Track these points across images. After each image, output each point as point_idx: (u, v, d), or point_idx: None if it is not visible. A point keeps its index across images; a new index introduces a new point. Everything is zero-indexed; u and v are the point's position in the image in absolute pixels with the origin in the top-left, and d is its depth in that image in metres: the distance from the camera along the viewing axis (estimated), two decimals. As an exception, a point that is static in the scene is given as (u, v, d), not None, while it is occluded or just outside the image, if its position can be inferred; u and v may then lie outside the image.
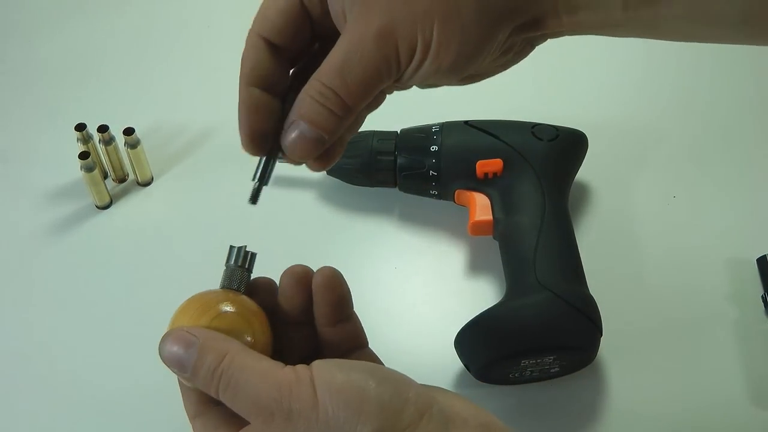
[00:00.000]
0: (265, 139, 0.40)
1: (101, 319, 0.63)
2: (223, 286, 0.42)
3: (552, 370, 0.57)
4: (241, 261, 0.43)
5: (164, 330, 0.41)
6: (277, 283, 0.45)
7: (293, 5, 0.40)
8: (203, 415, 0.40)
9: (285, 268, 0.45)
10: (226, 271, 0.43)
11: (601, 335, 0.56)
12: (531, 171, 0.62)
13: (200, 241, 0.67)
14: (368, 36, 0.37)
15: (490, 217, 0.62)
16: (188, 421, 0.42)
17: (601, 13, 0.38)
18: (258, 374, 0.36)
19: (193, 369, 0.37)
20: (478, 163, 0.63)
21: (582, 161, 0.66)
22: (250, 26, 0.42)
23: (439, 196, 0.66)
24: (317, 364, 0.37)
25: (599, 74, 0.79)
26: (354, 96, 0.38)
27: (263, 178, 0.41)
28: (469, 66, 0.39)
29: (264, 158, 0.41)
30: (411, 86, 0.41)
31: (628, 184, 0.70)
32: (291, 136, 0.39)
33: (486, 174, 0.63)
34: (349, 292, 0.44)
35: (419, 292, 0.64)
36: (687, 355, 0.60)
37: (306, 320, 0.44)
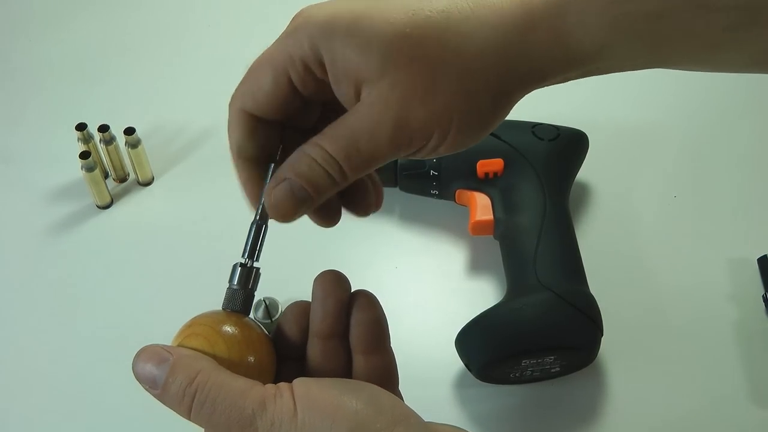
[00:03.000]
0: None
1: (102, 318, 0.63)
2: (225, 308, 0.42)
3: (552, 370, 0.57)
4: (243, 281, 0.41)
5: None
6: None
7: (281, 87, 0.39)
8: None
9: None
10: (228, 291, 0.42)
11: (602, 335, 0.56)
12: (532, 171, 0.62)
13: (201, 241, 0.67)
14: (383, 122, 0.36)
15: (490, 216, 0.62)
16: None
17: (607, 65, 0.38)
18: (237, 390, 0.36)
19: (164, 386, 0.37)
20: (478, 162, 0.63)
21: (583, 161, 0.66)
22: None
23: (439, 196, 0.66)
24: (297, 381, 0.37)
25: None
26: (355, 170, 0.38)
27: (253, 252, 0.41)
28: (481, 138, 0.39)
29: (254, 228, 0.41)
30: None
31: (628, 184, 0.70)
32: (280, 191, 0.38)
33: (487, 174, 0.63)
34: (386, 321, 0.42)
35: (420, 291, 0.64)
36: (687, 354, 0.60)
37: (339, 348, 0.42)
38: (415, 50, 0.36)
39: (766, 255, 0.63)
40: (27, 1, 0.88)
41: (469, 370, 0.57)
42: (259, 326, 0.41)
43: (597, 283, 0.58)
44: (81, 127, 0.68)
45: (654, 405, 0.57)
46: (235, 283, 0.41)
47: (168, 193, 0.71)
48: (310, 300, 0.41)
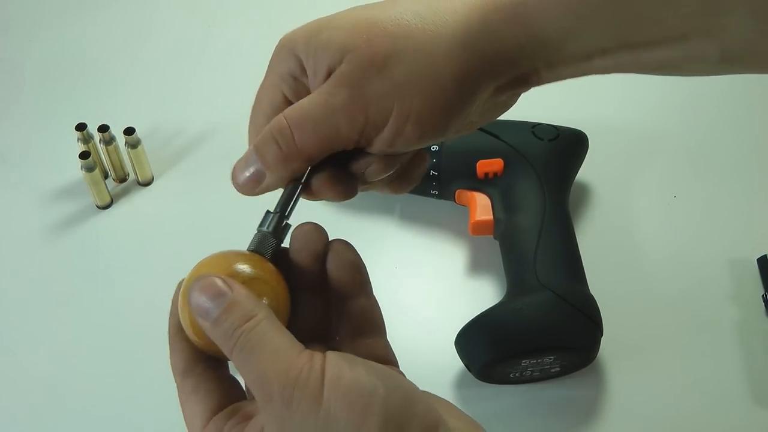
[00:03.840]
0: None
1: (102, 318, 0.63)
2: (251, 250, 0.41)
3: (552, 370, 0.57)
4: (274, 228, 0.41)
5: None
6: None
7: (279, 106, 0.42)
8: (195, 375, 0.39)
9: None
10: (257, 235, 0.41)
11: (602, 335, 0.56)
12: (531, 171, 0.62)
13: (201, 241, 0.67)
14: (339, 95, 0.38)
15: (490, 216, 0.62)
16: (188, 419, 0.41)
17: (581, 66, 0.38)
18: (274, 349, 0.35)
19: (216, 320, 0.36)
20: (478, 162, 0.63)
21: (582, 161, 0.66)
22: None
23: (439, 196, 0.66)
24: (331, 357, 0.35)
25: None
26: (307, 143, 0.39)
27: (285, 209, 0.41)
28: (449, 127, 0.39)
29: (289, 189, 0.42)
30: (398, 152, 0.41)
31: (628, 184, 0.70)
32: (239, 162, 0.41)
33: (486, 174, 0.63)
34: (364, 266, 0.42)
35: (420, 291, 0.64)
36: (687, 354, 0.60)
37: (320, 290, 0.42)
38: (373, 29, 0.38)
39: (766, 255, 0.63)
40: (27, 1, 0.88)
41: (469, 370, 0.57)
42: (277, 270, 0.41)
43: (597, 283, 0.58)
44: (81, 127, 0.68)
45: (654, 405, 0.57)
46: (266, 228, 0.41)
47: (168, 193, 0.71)
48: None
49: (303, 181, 0.41)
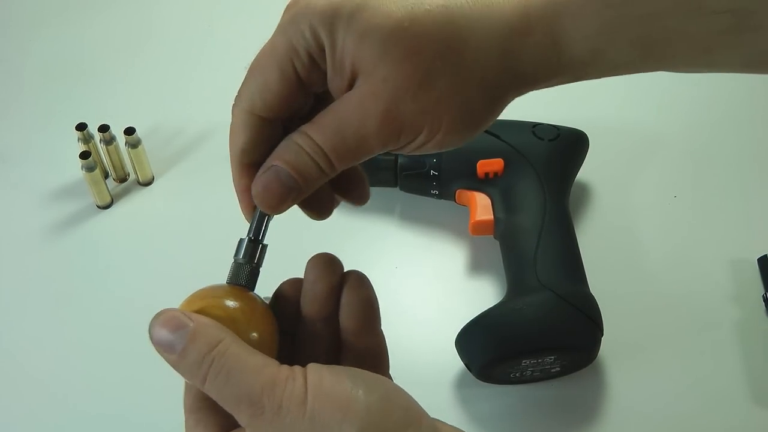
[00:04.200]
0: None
1: (102, 318, 0.63)
2: (230, 282, 0.41)
3: (553, 370, 0.57)
4: (249, 256, 0.41)
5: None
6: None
7: (289, 82, 0.38)
8: (200, 411, 0.39)
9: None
10: (233, 265, 0.41)
11: (602, 335, 0.56)
12: (532, 171, 0.62)
13: (201, 241, 0.67)
14: (372, 115, 0.36)
15: (490, 216, 0.62)
16: (202, 389, 0.41)
17: (601, 70, 0.38)
18: (253, 367, 0.35)
19: (182, 352, 0.36)
20: (478, 162, 0.63)
21: (583, 161, 0.66)
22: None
23: (439, 196, 0.66)
24: (311, 366, 0.36)
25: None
26: (342, 161, 0.37)
27: (258, 233, 0.40)
28: (472, 138, 0.39)
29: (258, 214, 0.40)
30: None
31: (628, 184, 0.70)
32: (266, 177, 0.37)
33: (487, 174, 0.63)
34: (377, 302, 0.42)
35: (420, 291, 0.64)
36: (688, 354, 0.60)
37: (328, 329, 0.42)
38: (412, 44, 0.36)
39: (766, 255, 0.63)
40: (27, 1, 0.88)
41: (469, 370, 0.57)
42: (263, 302, 0.41)
43: (597, 283, 0.58)
44: (81, 127, 0.68)
45: (654, 405, 0.57)
46: (241, 256, 0.41)
47: (168, 193, 0.71)
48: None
49: None
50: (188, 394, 0.40)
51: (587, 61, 0.37)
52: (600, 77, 0.39)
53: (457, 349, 0.57)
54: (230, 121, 0.39)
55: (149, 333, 0.37)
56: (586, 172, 0.67)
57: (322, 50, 0.37)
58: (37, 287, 0.65)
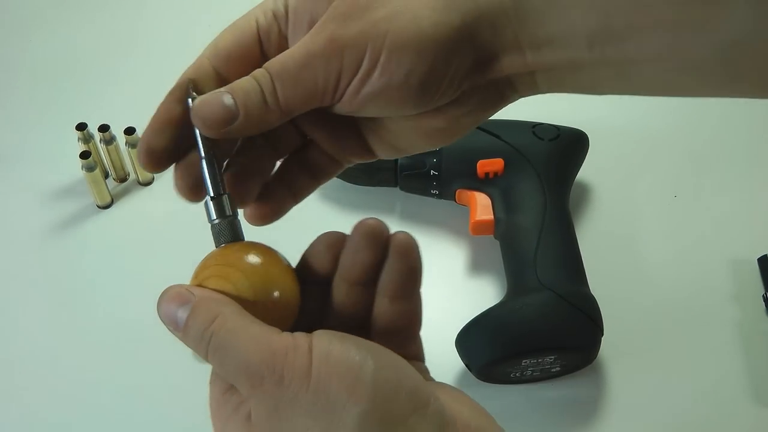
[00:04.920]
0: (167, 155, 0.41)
1: (102, 318, 0.63)
2: (217, 245, 0.40)
3: (553, 370, 0.57)
4: (219, 213, 0.40)
5: (165, 329, 0.41)
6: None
7: (248, 33, 0.40)
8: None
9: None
10: (212, 229, 0.41)
11: (602, 335, 0.56)
12: (532, 170, 0.62)
13: (201, 241, 0.67)
14: (317, 42, 0.37)
15: (491, 216, 0.62)
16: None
17: (567, 51, 0.37)
18: (250, 338, 0.35)
19: (185, 328, 0.36)
20: (479, 162, 0.63)
21: (583, 161, 0.66)
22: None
23: (440, 196, 0.66)
24: (318, 333, 0.35)
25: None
26: (289, 97, 0.37)
27: (216, 189, 0.40)
28: (425, 90, 0.37)
29: (205, 165, 0.40)
30: (361, 109, 0.39)
31: (629, 184, 0.70)
32: (209, 95, 0.38)
33: (487, 173, 0.63)
34: (422, 267, 0.39)
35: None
36: (688, 354, 0.60)
37: (362, 293, 0.40)
38: None
39: (766, 255, 0.63)
40: (26, 0, 0.88)
41: (470, 370, 0.57)
42: (281, 256, 0.40)
43: (597, 283, 0.58)
44: (81, 126, 0.68)
45: (654, 405, 0.57)
46: (214, 216, 0.40)
47: (168, 193, 0.70)
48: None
49: (213, 153, 0.40)
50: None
51: (543, 18, 0.36)
52: (568, 67, 0.38)
53: (457, 348, 0.57)
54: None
55: (157, 310, 0.37)
56: (586, 172, 0.67)
57: (286, 14, 0.39)
58: (37, 287, 0.65)
